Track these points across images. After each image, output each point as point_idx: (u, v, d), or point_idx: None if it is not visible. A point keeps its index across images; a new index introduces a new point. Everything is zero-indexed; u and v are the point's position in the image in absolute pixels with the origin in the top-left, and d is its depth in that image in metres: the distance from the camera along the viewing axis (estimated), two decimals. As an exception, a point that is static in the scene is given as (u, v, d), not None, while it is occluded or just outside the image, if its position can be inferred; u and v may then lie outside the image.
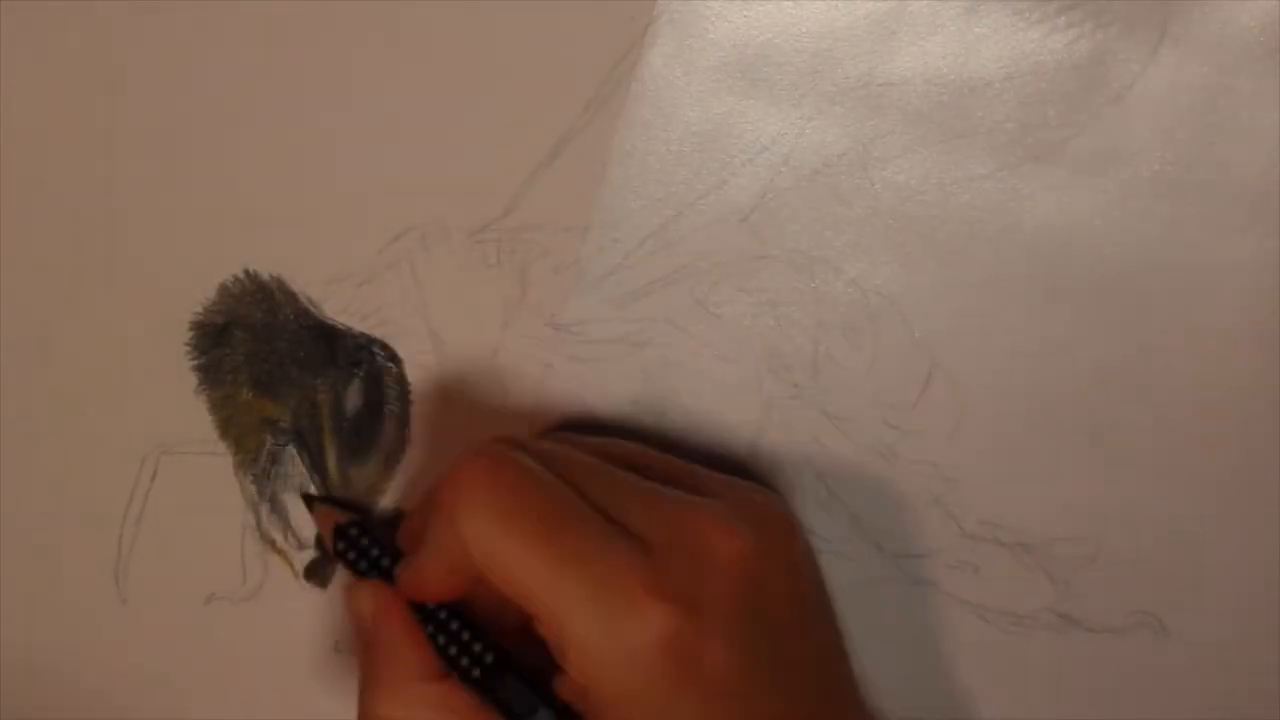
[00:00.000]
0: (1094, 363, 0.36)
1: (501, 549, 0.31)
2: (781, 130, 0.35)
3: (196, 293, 0.38)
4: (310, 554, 0.40)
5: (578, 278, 0.37)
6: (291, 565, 0.40)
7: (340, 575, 0.40)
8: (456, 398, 0.38)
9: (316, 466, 0.39)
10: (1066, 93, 0.34)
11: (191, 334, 0.38)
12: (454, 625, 0.34)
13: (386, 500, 0.39)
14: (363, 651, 0.35)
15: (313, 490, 0.39)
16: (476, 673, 0.33)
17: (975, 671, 0.38)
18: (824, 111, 0.35)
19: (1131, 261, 0.35)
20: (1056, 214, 0.35)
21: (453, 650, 0.34)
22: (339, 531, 0.37)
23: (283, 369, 0.39)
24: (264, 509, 0.40)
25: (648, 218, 0.36)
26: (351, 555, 0.36)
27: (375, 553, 0.36)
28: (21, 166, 0.38)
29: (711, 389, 0.37)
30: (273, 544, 0.40)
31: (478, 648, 0.34)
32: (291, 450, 0.39)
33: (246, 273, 0.38)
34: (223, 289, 0.38)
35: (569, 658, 0.31)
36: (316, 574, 0.40)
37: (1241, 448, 0.36)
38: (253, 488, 0.39)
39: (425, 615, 0.34)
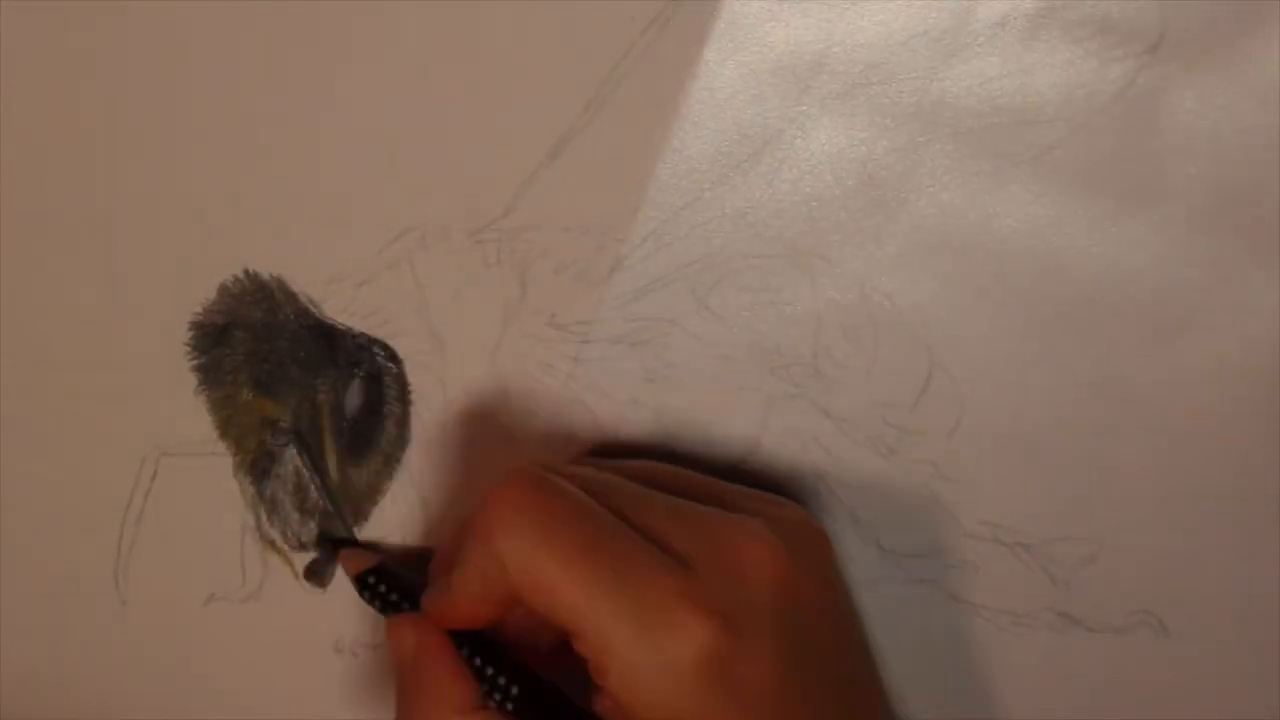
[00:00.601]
0: (1096, 365, 0.36)
1: (540, 567, 0.31)
2: (830, 137, 0.35)
3: (196, 293, 0.38)
4: (310, 554, 0.40)
5: (616, 274, 0.37)
6: (291, 565, 0.40)
7: (343, 580, 0.40)
8: (456, 398, 0.38)
9: (316, 466, 0.39)
10: (1119, 126, 0.34)
11: (191, 334, 0.38)
12: (489, 652, 0.34)
13: (409, 533, 0.39)
14: (401, 684, 0.35)
15: (312, 493, 0.39)
16: (513, 700, 0.34)
17: (975, 671, 0.38)
18: (875, 123, 0.35)
19: (1160, 292, 0.35)
20: (1097, 243, 0.35)
21: (490, 673, 0.34)
22: (361, 580, 0.37)
23: (283, 369, 0.39)
24: (264, 509, 0.40)
25: (694, 214, 0.36)
26: (382, 589, 0.37)
27: (394, 597, 0.36)
28: (21, 166, 0.38)
29: (711, 389, 0.37)
30: (273, 544, 0.40)
31: (509, 675, 0.34)
32: (291, 450, 0.39)
33: (246, 273, 0.38)
34: (223, 289, 0.38)
35: (608, 674, 0.31)
36: (316, 574, 0.40)
37: (1241, 448, 0.36)
38: (253, 488, 0.39)
39: (461, 642, 0.34)
